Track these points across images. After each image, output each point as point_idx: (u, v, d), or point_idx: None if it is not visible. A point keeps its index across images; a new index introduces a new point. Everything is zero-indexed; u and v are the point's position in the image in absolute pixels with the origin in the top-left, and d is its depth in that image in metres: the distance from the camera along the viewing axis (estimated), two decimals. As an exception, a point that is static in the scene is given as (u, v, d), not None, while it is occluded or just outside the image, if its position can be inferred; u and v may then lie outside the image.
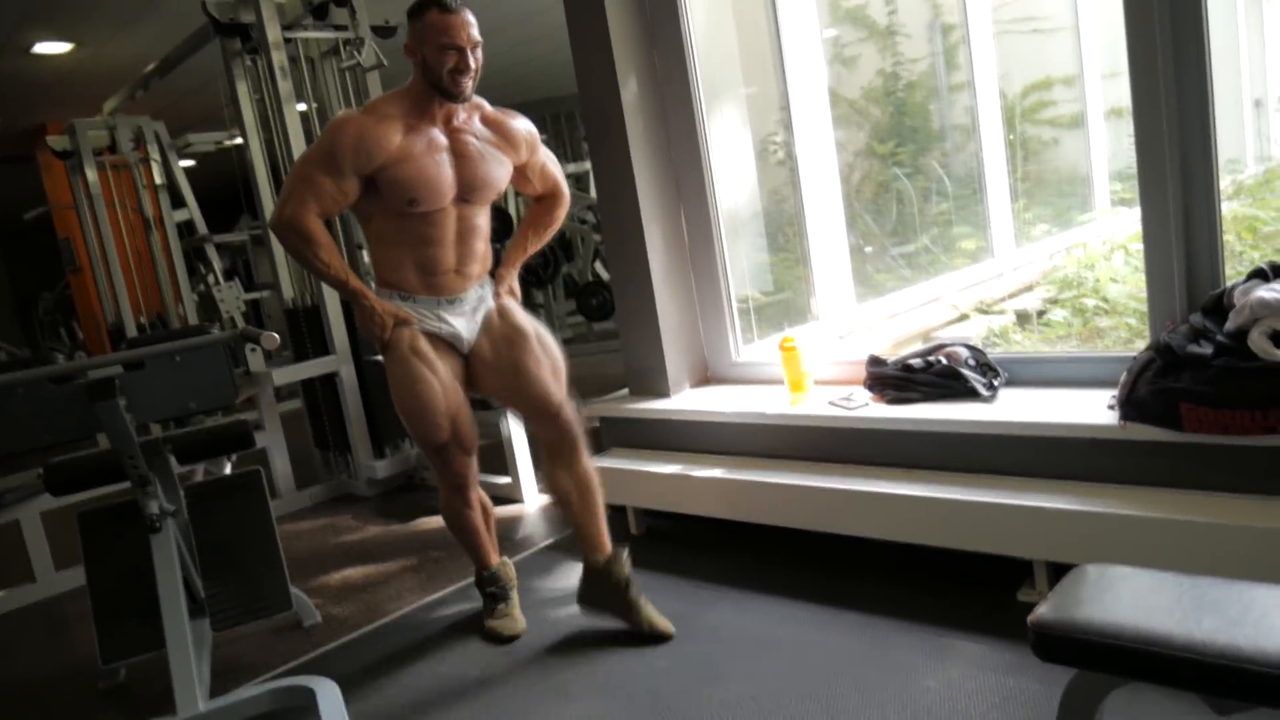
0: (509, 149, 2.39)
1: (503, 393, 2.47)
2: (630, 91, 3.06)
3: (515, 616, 2.53)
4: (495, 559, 2.60)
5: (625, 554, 2.41)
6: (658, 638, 2.32)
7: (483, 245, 2.42)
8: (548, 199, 2.57)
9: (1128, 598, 1.25)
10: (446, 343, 2.38)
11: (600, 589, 2.41)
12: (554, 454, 2.43)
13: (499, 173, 2.36)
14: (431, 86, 2.23)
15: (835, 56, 4.76)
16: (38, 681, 2.78)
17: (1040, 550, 2.12)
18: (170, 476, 2.40)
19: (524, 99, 10.77)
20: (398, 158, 2.22)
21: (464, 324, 2.40)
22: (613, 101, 3.05)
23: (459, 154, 2.28)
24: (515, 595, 2.60)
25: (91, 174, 6.72)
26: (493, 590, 2.57)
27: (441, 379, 2.33)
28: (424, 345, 2.32)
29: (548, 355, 2.42)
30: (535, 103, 10.95)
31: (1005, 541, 2.16)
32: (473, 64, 2.21)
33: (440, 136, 2.27)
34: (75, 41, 6.16)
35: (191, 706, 2.04)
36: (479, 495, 2.55)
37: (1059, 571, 2.10)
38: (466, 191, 2.30)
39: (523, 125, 2.44)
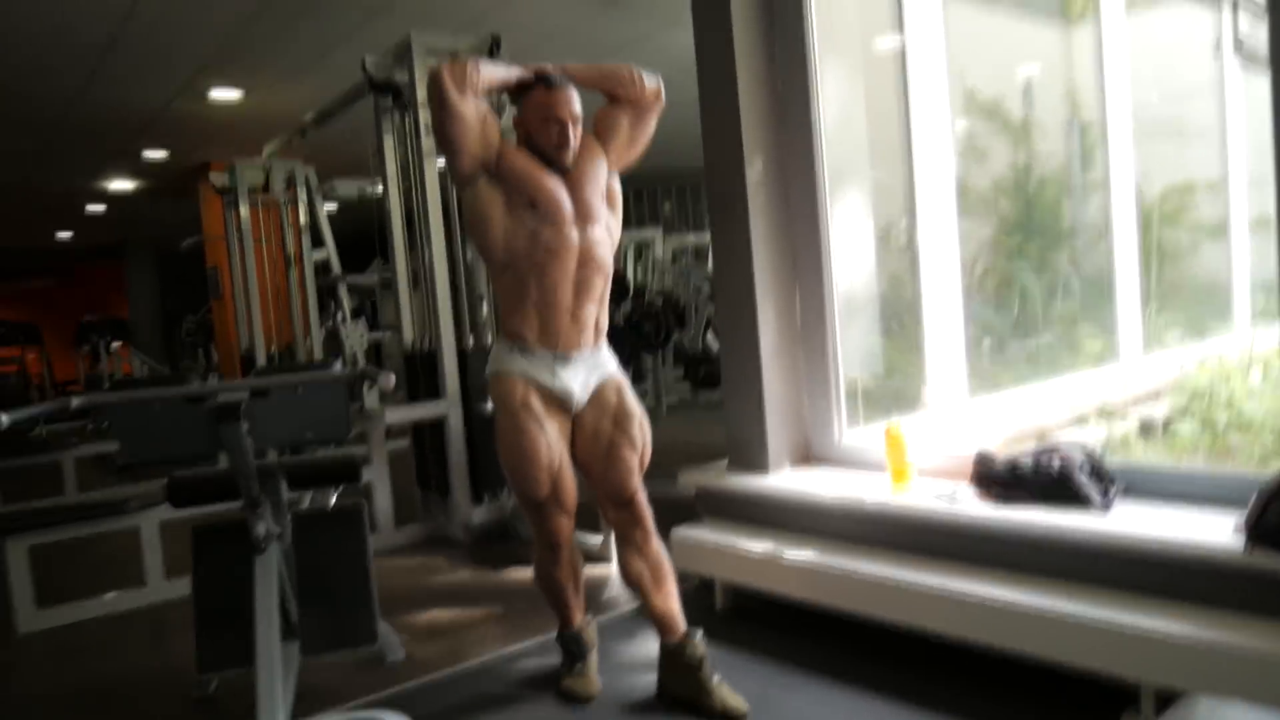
0: (600, 150, 2.46)
1: (587, 468, 2.49)
2: (755, 168, 3.11)
3: (591, 678, 2.51)
4: (579, 618, 2.61)
5: (699, 634, 2.40)
6: (731, 717, 2.27)
7: (602, 291, 2.45)
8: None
9: (1238, 737, 1.16)
10: (557, 400, 2.42)
11: (675, 670, 2.39)
12: (625, 538, 2.48)
13: (603, 181, 2.44)
14: (538, 156, 2.37)
15: (967, 148, 4.72)
16: (135, 682, 2.91)
17: (1148, 675, 1.99)
18: (280, 501, 2.50)
19: (650, 168, 11.05)
20: (519, 159, 2.35)
21: (578, 383, 2.43)
22: (737, 176, 3.10)
23: (571, 182, 2.38)
24: (594, 657, 2.59)
25: (244, 210, 7.19)
26: (572, 649, 2.57)
27: (548, 436, 2.37)
28: (535, 401, 2.37)
29: (642, 444, 2.47)
30: (660, 173, 11.23)
31: (1110, 661, 2.04)
32: (572, 138, 2.35)
33: (554, 173, 2.38)
34: (245, 90, 6.68)
35: (273, 726, 2.09)
36: (572, 555, 2.56)
37: (1167, 700, 1.97)
38: (584, 213, 2.38)
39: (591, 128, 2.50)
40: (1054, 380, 4.27)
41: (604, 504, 2.51)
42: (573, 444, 2.47)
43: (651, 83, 2.47)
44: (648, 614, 2.47)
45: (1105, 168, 4.56)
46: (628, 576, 2.47)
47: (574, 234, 2.35)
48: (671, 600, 2.44)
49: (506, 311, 2.44)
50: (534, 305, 2.38)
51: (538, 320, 2.38)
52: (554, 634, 2.66)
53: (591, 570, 3.31)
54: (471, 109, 2.30)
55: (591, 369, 2.46)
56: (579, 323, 2.41)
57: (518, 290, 2.39)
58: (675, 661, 2.39)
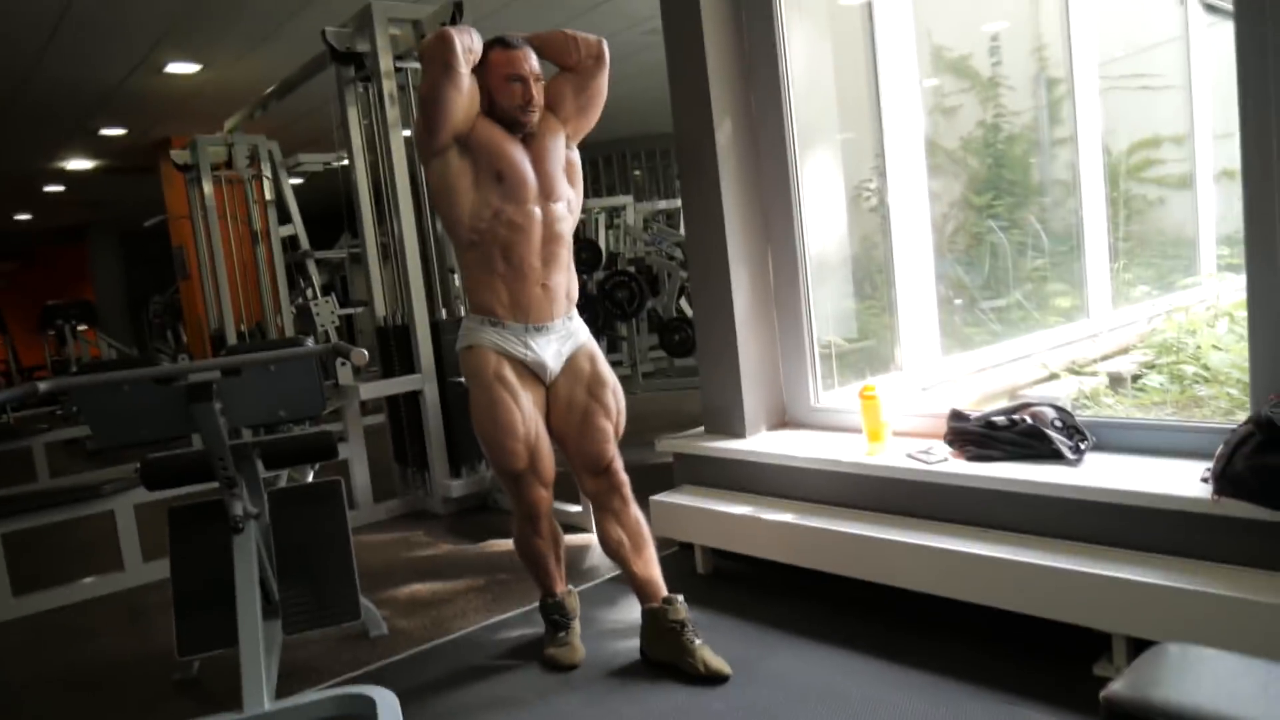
0: (557, 123, 2.46)
1: (562, 437, 2.50)
2: (724, 132, 3.09)
3: (575, 646, 2.53)
4: (561, 587, 2.62)
5: (680, 599, 2.43)
6: (715, 679, 2.30)
7: (567, 260, 2.47)
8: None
9: (1210, 681, 1.19)
10: (531, 371, 2.42)
11: (657, 634, 2.42)
12: (603, 507, 2.49)
13: (562, 154, 2.45)
14: (500, 122, 2.36)
15: (935, 106, 4.72)
16: (115, 666, 2.90)
17: (1120, 624, 2.03)
18: (256, 480, 2.49)
19: (620, 135, 10.96)
20: (488, 129, 2.34)
21: (550, 353, 2.43)
22: (707, 141, 3.08)
23: (534, 156, 2.39)
24: (577, 625, 2.61)
25: (208, 187, 7.07)
26: (555, 618, 2.59)
27: (523, 407, 2.37)
28: (509, 372, 2.38)
29: (616, 411, 2.49)
30: (630, 139, 11.14)
31: (1083, 612, 2.08)
32: (536, 95, 2.35)
33: (519, 143, 2.39)
34: (204, 63, 6.53)
35: (257, 705, 2.10)
36: (551, 525, 2.57)
37: (1138, 648, 2.01)
38: (547, 186, 2.39)
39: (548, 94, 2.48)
40: (1025, 337, 4.32)
41: (580, 473, 2.52)
42: (548, 414, 2.47)
43: (590, 44, 2.45)
44: (628, 580, 2.50)
45: (1073, 123, 4.58)
46: (607, 544, 2.50)
47: (537, 211, 2.37)
48: (651, 566, 2.47)
49: (474, 285, 2.43)
50: (501, 278, 2.38)
51: (507, 293, 2.39)
52: (536, 604, 2.67)
53: (572, 539, 3.32)
54: (469, 78, 2.29)
55: (564, 338, 2.46)
56: (549, 292, 2.41)
57: (485, 264, 2.39)
58: (657, 626, 2.41)
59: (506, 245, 2.35)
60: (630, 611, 2.68)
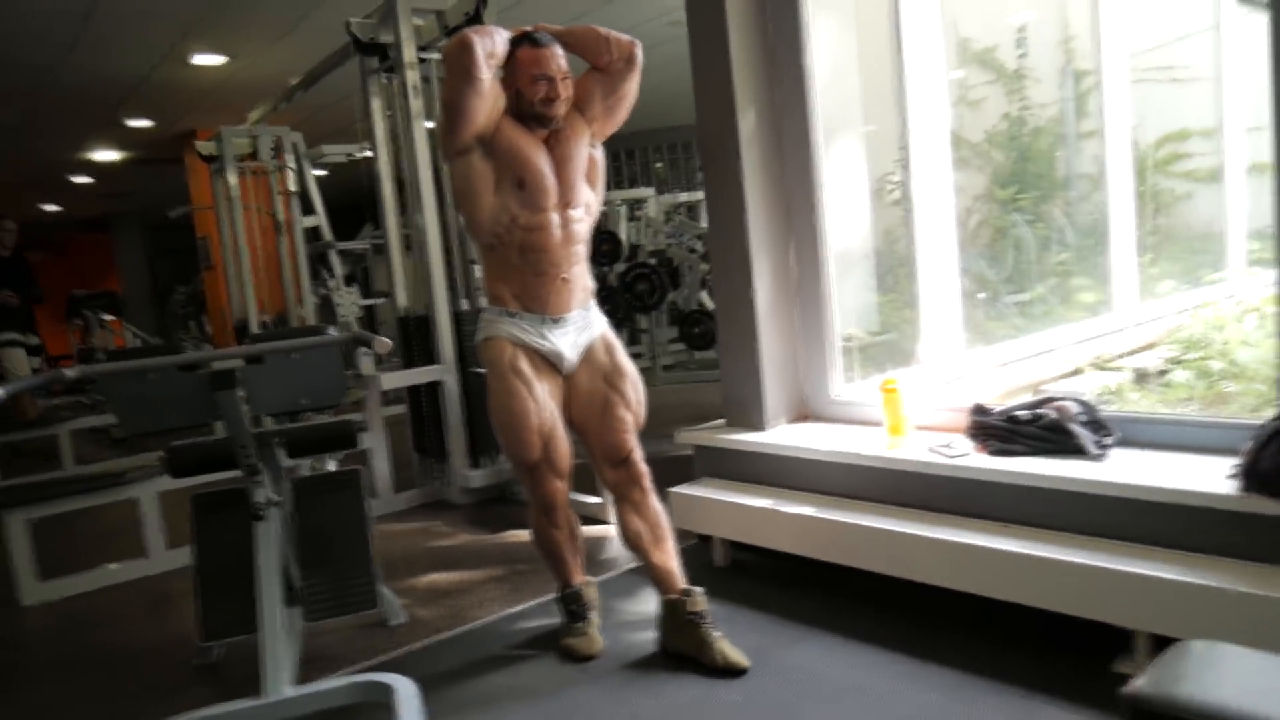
0: (582, 122, 2.45)
1: (582, 428, 2.51)
2: (748, 123, 3.07)
3: (593, 636, 2.54)
4: (578, 578, 2.62)
5: (699, 590, 2.42)
6: (732, 671, 2.30)
7: (584, 255, 2.49)
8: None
9: (1235, 679, 1.17)
10: (548, 362, 2.43)
11: (676, 626, 2.42)
12: (623, 496, 2.51)
13: (587, 156, 2.45)
14: (526, 117, 2.36)
15: (960, 98, 4.67)
16: (138, 652, 2.93)
17: (1142, 621, 2.01)
18: (278, 468, 2.51)
19: (642, 127, 10.94)
20: (512, 132, 2.34)
21: (567, 344, 2.45)
22: (729, 132, 3.07)
23: (557, 161, 2.39)
24: (595, 616, 2.61)
25: (232, 178, 7.12)
26: (572, 608, 2.59)
27: (538, 398, 2.38)
28: (524, 364, 2.39)
29: (636, 402, 2.51)
30: (652, 131, 11.12)
31: (1105, 608, 2.06)
32: (562, 92, 2.35)
33: (542, 147, 2.39)
34: (230, 55, 6.58)
35: (277, 691, 2.12)
36: (568, 516, 2.57)
37: (1161, 645, 1.99)
38: (567, 193, 2.40)
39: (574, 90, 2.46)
40: (1049, 332, 4.27)
41: (600, 464, 2.53)
42: (567, 405, 2.48)
43: (623, 45, 2.43)
44: (647, 572, 2.50)
45: (1100, 116, 4.52)
46: (627, 535, 2.50)
47: (555, 217, 2.38)
48: (670, 557, 2.47)
49: (493, 278, 2.45)
50: (519, 273, 2.40)
51: (524, 286, 2.41)
52: (554, 595, 2.67)
53: (590, 531, 3.33)
54: (491, 81, 2.29)
55: (581, 329, 2.48)
56: (568, 285, 2.43)
57: (504, 261, 2.41)
58: (676, 617, 2.41)
59: (524, 247, 2.38)
60: (649, 604, 2.68)
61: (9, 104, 7.34)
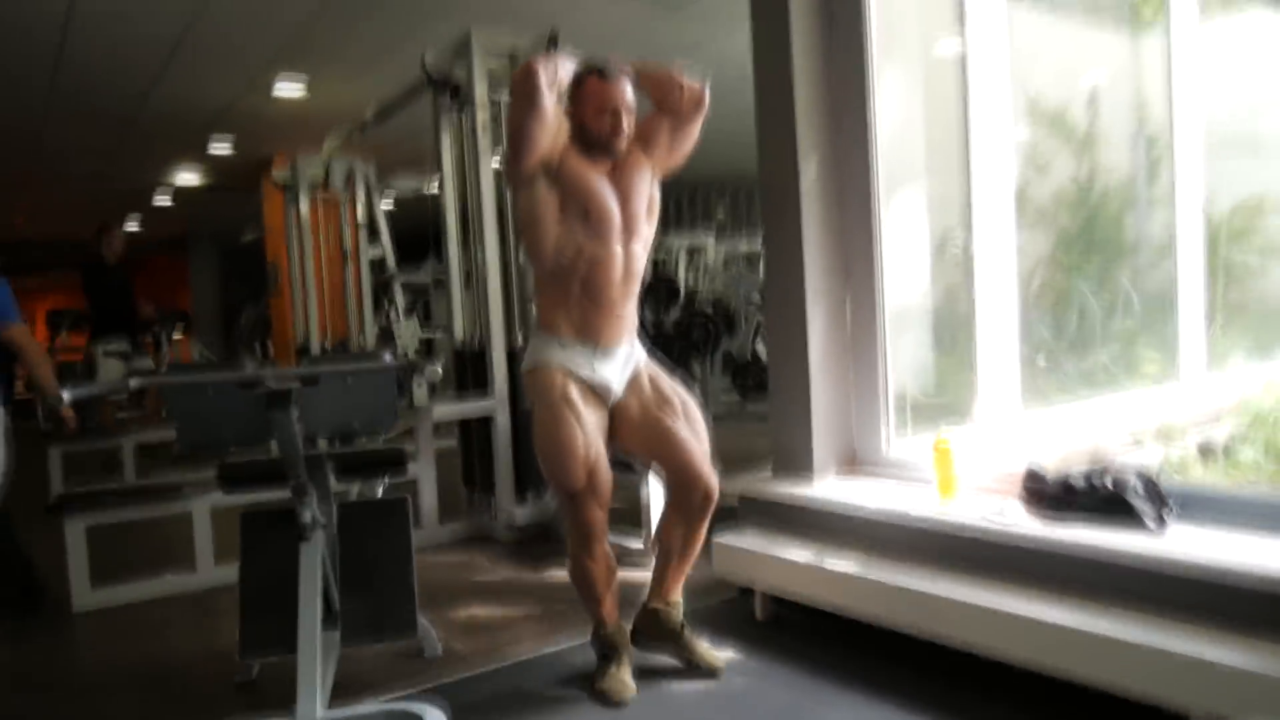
0: (646, 160, 2.50)
1: (648, 455, 2.59)
2: (809, 174, 3.08)
3: (625, 681, 2.51)
4: (613, 618, 2.60)
5: (679, 604, 2.65)
6: (709, 672, 2.54)
7: (637, 291, 2.54)
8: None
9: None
10: (595, 394, 2.47)
11: (655, 628, 2.61)
12: (685, 513, 2.57)
13: (648, 193, 2.51)
14: (589, 146, 2.41)
15: (1029, 159, 4.63)
16: (181, 663, 2.98)
17: (1200, 703, 1.92)
18: (326, 490, 2.54)
19: (704, 174, 11.01)
20: (577, 164, 2.40)
21: (615, 376, 2.49)
22: (790, 183, 3.08)
23: (621, 195, 2.44)
24: (628, 659, 2.58)
25: (305, 206, 7.32)
26: (606, 651, 2.57)
27: (585, 427, 2.41)
28: (574, 393, 2.42)
29: (693, 423, 2.56)
30: (715, 178, 11.19)
31: (1159, 686, 1.98)
32: (626, 126, 2.40)
33: (606, 180, 2.44)
34: (309, 85, 6.81)
35: (311, 712, 2.12)
36: (605, 551, 2.57)
37: (1219, 732, 1.91)
38: (631, 226, 2.45)
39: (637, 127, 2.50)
40: (1110, 399, 4.17)
41: (675, 488, 2.57)
42: (623, 435, 2.54)
43: (694, 88, 2.48)
44: (654, 575, 2.63)
45: (1171, 182, 4.44)
46: (662, 541, 2.63)
47: (619, 249, 2.43)
48: (681, 576, 2.66)
49: (548, 306, 2.50)
50: (577, 304, 2.44)
51: (580, 316, 2.45)
52: (589, 636, 2.65)
53: (629, 575, 3.30)
54: (554, 109, 2.33)
55: (627, 361, 2.53)
56: (621, 321, 2.49)
57: (563, 289, 2.45)
58: (658, 621, 2.62)
59: (587, 279, 2.42)
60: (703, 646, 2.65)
61: (101, 127, 7.68)
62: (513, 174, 2.42)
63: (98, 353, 7.09)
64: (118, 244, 7.14)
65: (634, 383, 2.54)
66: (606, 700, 2.46)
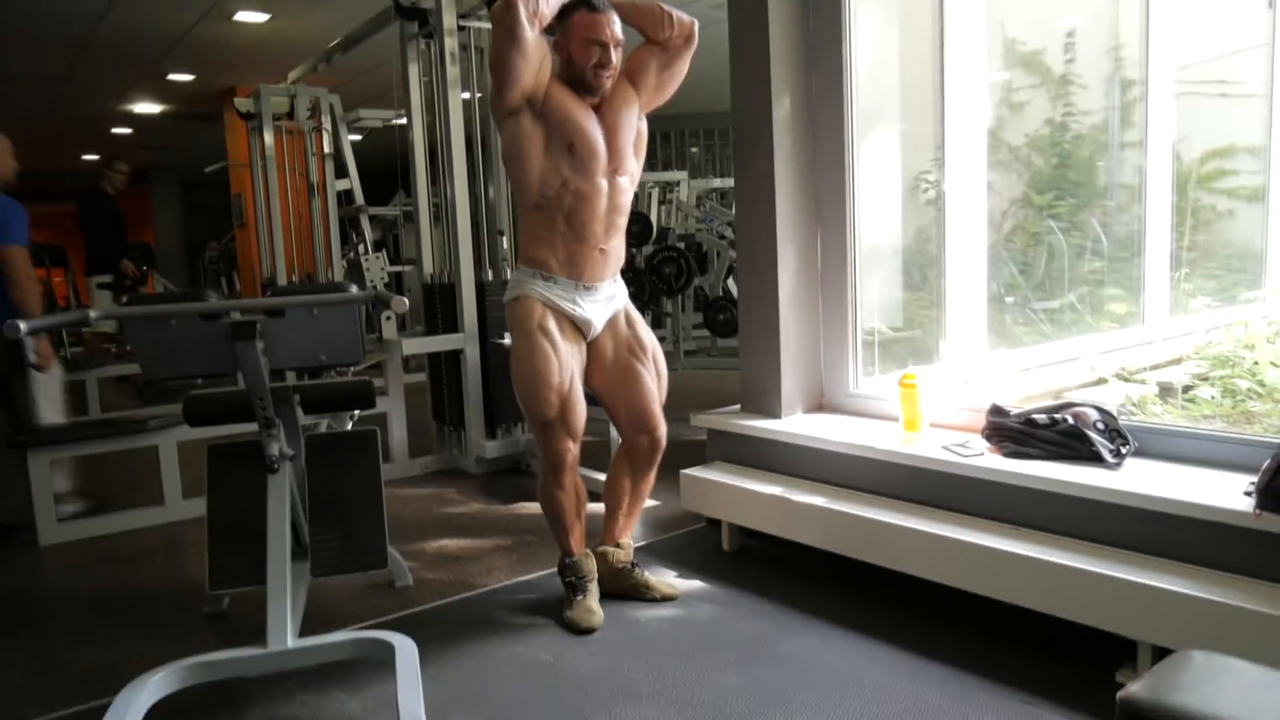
0: (633, 93, 2.49)
1: (608, 394, 2.61)
2: (782, 110, 3.05)
3: (593, 609, 2.55)
4: (579, 548, 2.64)
5: (629, 544, 2.73)
6: (667, 599, 2.64)
7: (624, 226, 2.54)
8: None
9: (1233, 691, 1.16)
10: (575, 328, 2.49)
11: (606, 570, 2.67)
12: (635, 461, 2.68)
13: (634, 127, 2.50)
14: (574, 81, 2.38)
15: (1004, 100, 4.61)
16: (150, 596, 2.98)
17: (1147, 632, 1.99)
18: (294, 423, 2.52)
19: (679, 111, 10.89)
20: (563, 97, 2.37)
21: (596, 312, 2.51)
22: (764, 118, 3.05)
23: (607, 128, 2.42)
24: (594, 587, 2.62)
25: (269, 137, 7.15)
26: (572, 580, 2.61)
27: (561, 359, 2.43)
28: (552, 324, 2.44)
29: (659, 373, 2.63)
30: (689, 115, 11.07)
31: (1110, 616, 2.05)
32: (614, 59, 2.38)
33: (592, 113, 2.42)
34: (272, 13, 6.60)
35: (281, 642, 2.14)
36: (575, 481, 2.59)
37: (1164, 658, 1.97)
38: (616, 160, 2.44)
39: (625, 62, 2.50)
40: (1075, 340, 4.22)
41: (624, 428, 2.64)
42: (590, 372, 2.56)
43: (683, 24, 2.46)
44: (605, 521, 2.72)
45: (1144, 126, 4.45)
46: (612, 487, 2.71)
47: (604, 183, 2.42)
48: (632, 521, 2.76)
49: (532, 240, 2.48)
50: (562, 238, 2.44)
51: (564, 251, 2.45)
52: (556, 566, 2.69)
53: (597, 508, 3.34)
54: (535, 42, 2.30)
55: (609, 299, 2.54)
56: (606, 256, 2.49)
57: (547, 224, 2.44)
58: (608, 564, 2.67)
59: (571, 212, 2.41)
60: (658, 576, 2.69)
61: (51, 54, 7.42)
62: (496, 107, 2.39)
63: (91, 285, 6.99)
64: (122, 178, 7.04)
65: (613, 322, 2.56)
66: (575, 628, 2.50)
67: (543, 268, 2.45)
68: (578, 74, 2.37)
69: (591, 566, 2.66)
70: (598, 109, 2.42)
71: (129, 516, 3.74)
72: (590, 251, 2.45)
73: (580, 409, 2.49)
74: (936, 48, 3.29)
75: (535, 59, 2.31)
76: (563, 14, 2.37)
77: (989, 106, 3.72)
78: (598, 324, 2.52)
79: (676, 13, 2.46)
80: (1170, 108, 4.46)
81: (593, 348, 2.54)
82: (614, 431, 3.65)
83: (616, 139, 2.43)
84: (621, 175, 2.46)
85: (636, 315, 2.63)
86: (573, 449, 2.52)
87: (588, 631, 2.48)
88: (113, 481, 4.31)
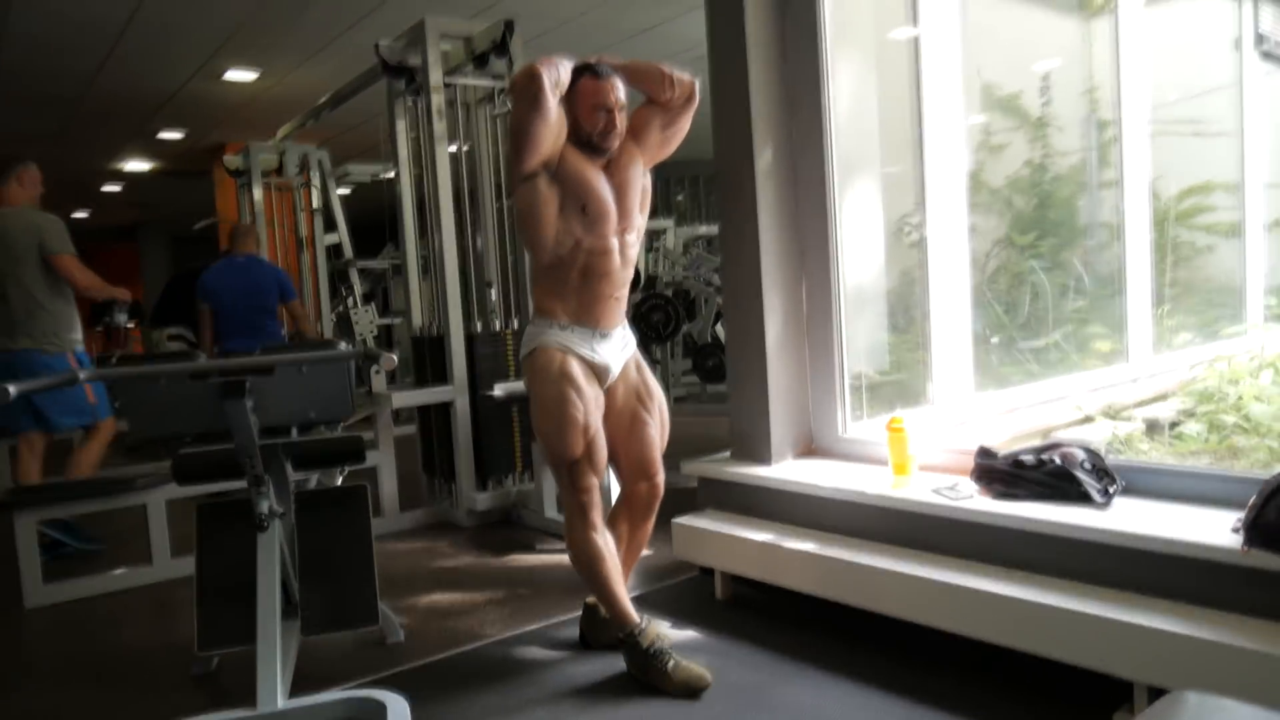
0: (638, 151, 2.55)
1: (612, 439, 2.60)
2: (765, 159, 3.10)
3: (692, 665, 2.39)
4: (634, 615, 2.47)
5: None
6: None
7: (630, 275, 2.59)
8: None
9: (1225, 733, 1.16)
10: (596, 373, 2.53)
11: (601, 624, 2.63)
12: (633, 509, 2.68)
13: (642, 185, 2.56)
14: (581, 144, 2.44)
15: (983, 143, 4.70)
16: (138, 657, 2.94)
17: (1142, 672, 1.98)
18: (284, 480, 2.52)
19: (665, 159, 11.03)
20: (576, 160, 2.42)
21: (613, 358, 2.55)
22: (746, 167, 3.10)
23: (616, 188, 2.49)
24: (669, 638, 2.51)
25: (258, 193, 7.20)
26: (650, 649, 2.41)
27: (586, 402, 2.46)
28: (575, 370, 2.46)
29: (662, 422, 2.65)
30: (674, 164, 11.20)
31: (1105, 658, 2.04)
32: (619, 123, 2.45)
33: (602, 174, 2.48)
34: (261, 71, 6.70)
35: (271, 703, 2.11)
36: (603, 523, 2.53)
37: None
38: (625, 219, 2.50)
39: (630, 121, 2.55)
40: (1061, 379, 4.26)
41: (625, 476, 2.66)
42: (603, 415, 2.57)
43: (684, 84, 2.53)
44: None
45: (1120, 166, 4.53)
46: (610, 534, 2.62)
47: (614, 242, 2.49)
48: (627, 571, 2.68)
49: (546, 293, 2.53)
50: (575, 291, 2.49)
51: (577, 302, 2.49)
52: (554, 620, 2.69)
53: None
54: (557, 111, 2.36)
55: (624, 346, 2.59)
56: (618, 303, 2.56)
57: (562, 279, 2.49)
58: (598, 618, 2.64)
59: (586, 269, 2.47)
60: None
61: (46, 112, 7.49)
62: (515, 171, 2.44)
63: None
64: None
65: (625, 369, 2.60)
66: (692, 690, 2.33)
67: (559, 318, 2.49)
68: (585, 138, 2.44)
69: (658, 629, 2.51)
70: (606, 169, 2.49)
71: (116, 577, 3.70)
72: (605, 301, 2.51)
73: (604, 450, 2.51)
74: (914, 93, 3.36)
75: (556, 127, 2.37)
76: (570, 79, 2.43)
77: (969, 149, 3.79)
78: (615, 369, 2.55)
79: (677, 73, 2.52)
80: (1146, 147, 4.55)
81: (605, 394, 2.57)
82: (612, 481, 3.66)
83: (626, 199, 2.50)
84: (630, 233, 2.53)
85: (644, 364, 2.68)
86: (599, 485, 2.52)
87: (705, 688, 2.35)
88: (101, 539, 4.27)
